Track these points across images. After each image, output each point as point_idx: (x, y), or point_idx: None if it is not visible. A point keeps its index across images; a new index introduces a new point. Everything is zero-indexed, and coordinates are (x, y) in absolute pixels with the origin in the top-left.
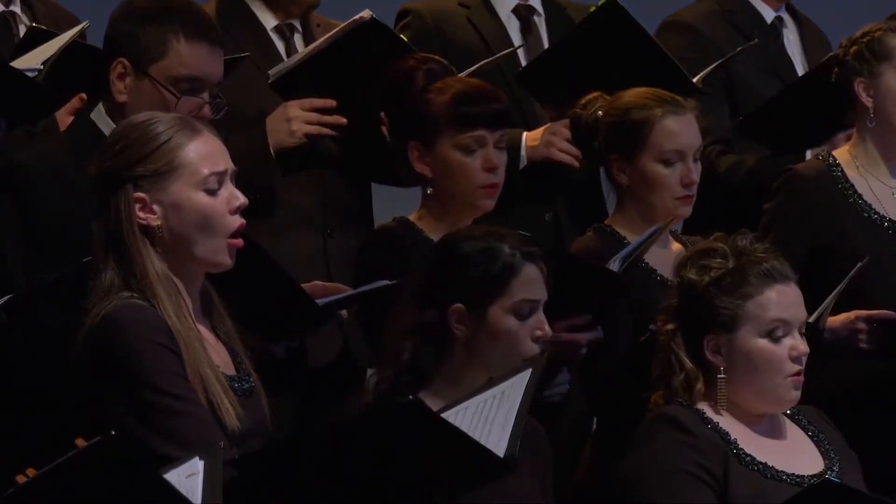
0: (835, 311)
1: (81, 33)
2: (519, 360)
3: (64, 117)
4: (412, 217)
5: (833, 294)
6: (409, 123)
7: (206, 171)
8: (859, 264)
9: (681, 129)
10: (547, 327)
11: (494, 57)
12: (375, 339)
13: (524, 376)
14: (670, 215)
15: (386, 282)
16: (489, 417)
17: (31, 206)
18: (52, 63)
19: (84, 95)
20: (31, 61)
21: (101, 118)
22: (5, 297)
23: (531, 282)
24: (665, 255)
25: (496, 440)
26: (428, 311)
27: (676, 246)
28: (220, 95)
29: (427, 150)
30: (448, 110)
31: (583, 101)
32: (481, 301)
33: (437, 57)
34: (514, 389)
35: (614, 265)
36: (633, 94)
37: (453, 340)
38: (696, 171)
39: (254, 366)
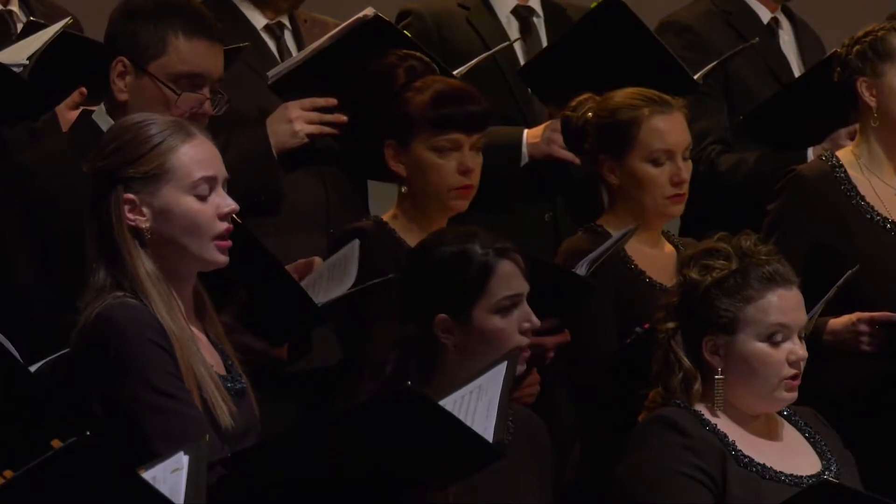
0: (837, 313)
1: (72, 26)
2: None
3: (65, 112)
4: (386, 217)
5: (821, 302)
6: (386, 122)
7: (196, 176)
8: (847, 273)
9: (668, 127)
10: (534, 318)
11: (490, 52)
12: (355, 354)
13: (500, 369)
14: (661, 215)
15: (384, 277)
16: (469, 410)
17: (38, 208)
18: (39, 57)
19: (84, 90)
20: (16, 56)
21: (103, 118)
22: (55, 355)
23: (509, 277)
24: (656, 257)
25: (481, 428)
26: (409, 324)
27: (668, 248)
28: (221, 92)
29: (402, 149)
30: (425, 111)
31: (573, 103)
32: (463, 307)
33: (418, 54)
34: (491, 383)
35: (581, 269)
36: (621, 95)
37: (442, 348)
38: (685, 170)
39: (243, 368)
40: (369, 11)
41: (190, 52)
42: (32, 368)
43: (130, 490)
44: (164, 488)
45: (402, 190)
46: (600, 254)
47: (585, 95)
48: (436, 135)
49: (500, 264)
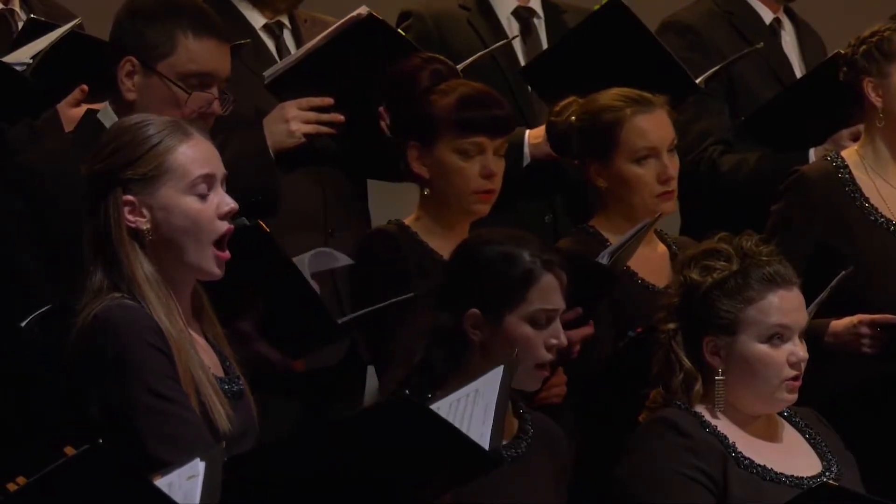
0: (839, 315)
1: (77, 27)
2: (532, 366)
3: (66, 110)
4: (408, 220)
5: (815, 302)
6: (410, 123)
7: (195, 175)
8: (841, 274)
9: (650, 126)
10: (563, 336)
11: (488, 49)
12: (384, 337)
13: (497, 373)
14: (652, 213)
15: (405, 295)
16: (465, 414)
17: (43, 208)
18: (43, 57)
19: (85, 87)
20: (22, 55)
21: (109, 117)
22: (41, 310)
23: (549, 291)
24: (649, 258)
25: (477, 435)
26: (443, 313)
27: (661, 248)
28: (227, 91)
29: (426, 151)
30: (450, 113)
31: (556, 107)
32: (498, 308)
33: (443, 58)
34: (487, 387)
35: (603, 259)
36: (603, 97)
37: (469, 345)
38: (672, 166)
39: (241, 369)
40: (363, 10)
41: (199, 52)
42: (22, 324)
43: (143, 498)
44: (178, 495)
45: (425, 192)
46: (621, 244)
47: (569, 99)
48: (460, 137)
49: (544, 276)
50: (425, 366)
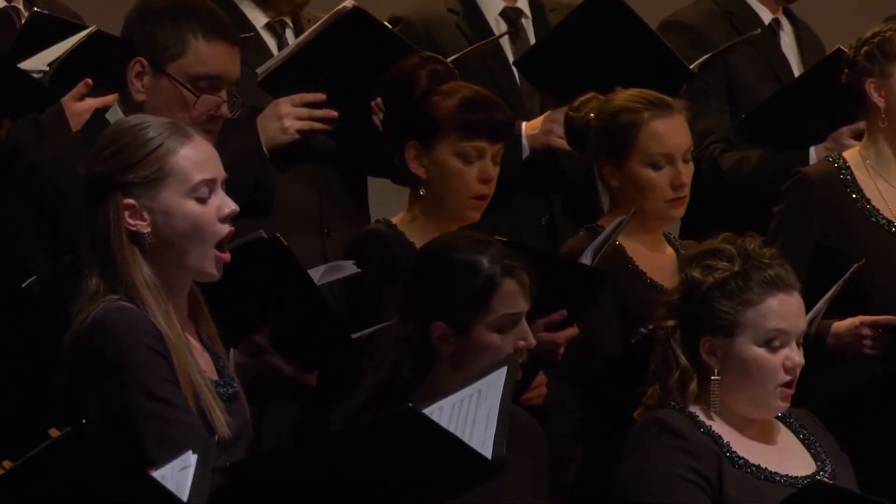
0: (841, 316)
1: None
2: None
3: (70, 104)
4: (395, 220)
5: (824, 299)
6: (410, 123)
7: (196, 178)
8: (853, 268)
9: (668, 131)
10: (530, 337)
11: (474, 46)
12: (366, 346)
13: (500, 374)
14: (662, 218)
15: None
16: (468, 417)
17: (51, 208)
18: (59, 66)
19: (90, 81)
20: (38, 63)
21: (117, 117)
22: (30, 279)
23: (512, 296)
24: (657, 260)
25: (480, 441)
26: (408, 324)
27: (669, 250)
28: (236, 94)
29: (426, 151)
30: (453, 115)
31: (576, 102)
32: (463, 319)
33: (441, 58)
34: (491, 388)
35: (586, 258)
36: (622, 97)
37: (437, 355)
38: (686, 173)
39: (236, 371)
40: (348, 3)
41: (209, 54)
42: (23, 285)
43: (129, 479)
44: (170, 485)
45: (421, 192)
46: (602, 242)
47: (589, 94)
48: (462, 140)
49: (506, 282)
50: (394, 376)
